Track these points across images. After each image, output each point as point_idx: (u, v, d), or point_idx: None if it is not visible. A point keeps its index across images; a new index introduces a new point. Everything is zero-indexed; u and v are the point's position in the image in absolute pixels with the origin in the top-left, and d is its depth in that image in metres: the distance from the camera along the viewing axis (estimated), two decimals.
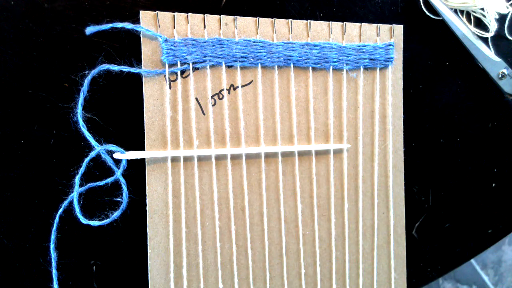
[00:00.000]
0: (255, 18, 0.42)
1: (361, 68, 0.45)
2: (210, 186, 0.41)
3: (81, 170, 0.38)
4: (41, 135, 0.38)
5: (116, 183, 0.39)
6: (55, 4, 0.38)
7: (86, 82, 0.37)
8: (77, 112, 0.37)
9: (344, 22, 0.45)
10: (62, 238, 0.39)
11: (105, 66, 0.38)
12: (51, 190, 0.38)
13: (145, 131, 0.39)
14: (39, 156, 0.38)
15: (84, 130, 0.37)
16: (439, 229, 0.51)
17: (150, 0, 0.40)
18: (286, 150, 0.43)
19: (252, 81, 0.42)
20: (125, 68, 0.38)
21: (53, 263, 0.37)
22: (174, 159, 0.40)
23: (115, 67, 0.38)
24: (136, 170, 0.40)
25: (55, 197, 0.38)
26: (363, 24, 0.45)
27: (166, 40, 0.39)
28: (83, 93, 0.37)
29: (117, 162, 0.38)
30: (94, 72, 0.37)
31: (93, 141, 0.37)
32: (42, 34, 0.38)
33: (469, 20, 0.51)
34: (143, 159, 0.39)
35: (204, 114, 0.41)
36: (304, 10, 0.45)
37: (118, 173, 0.38)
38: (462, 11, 0.51)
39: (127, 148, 0.39)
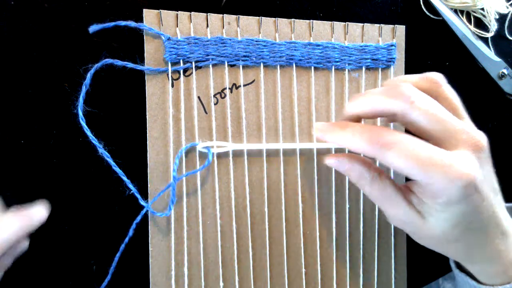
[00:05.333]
0: (257, 17, 0.42)
1: (363, 68, 0.45)
2: (211, 185, 0.41)
3: (176, 162, 0.39)
4: (41, 135, 0.38)
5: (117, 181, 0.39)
6: (55, 4, 0.37)
7: (89, 75, 0.37)
8: (77, 105, 0.37)
9: (347, 22, 0.45)
10: (62, 238, 0.38)
11: (109, 61, 0.37)
12: (51, 190, 0.38)
13: (147, 130, 0.39)
14: (39, 156, 0.38)
15: (83, 123, 0.37)
16: None
17: (149, 0, 0.39)
18: (288, 148, 0.43)
19: (254, 80, 0.42)
20: (129, 64, 0.38)
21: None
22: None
23: (118, 62, 0.38)
24: (137, 169, 0.40)
25: (55, 197, 0.38)
26: (365, 24, 0.45)
27: (169, 39, 0.39)
28: (85, 86, 0.37)
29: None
30: (97, 65, 0.37)
31: (90, 135, 0.37)
32: (42, 34, 0.37)
33: (469, 20, 0.51)
34: (144, 159, 0.39)
35: (206, 113, 0.41)
36: (304, 10, 0.45)
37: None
38: (462, 11, 0.51)
39: (128, 147, 0.39)
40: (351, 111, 0.36)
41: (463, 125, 0.33)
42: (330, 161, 0.36)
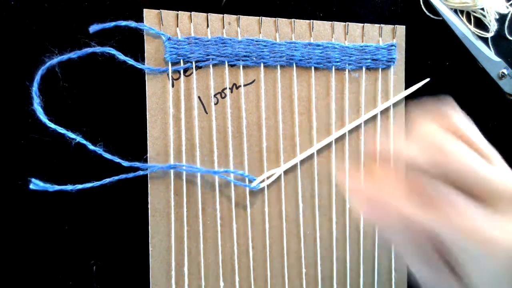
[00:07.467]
0: (258, 17, 0.42)
1: (363, 68, 0.45)
2: (212, 185, 0.41)
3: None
4: (41, 135, 0.38)
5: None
6: (55, 4, 0.37)
7: (85, 51, 0.37)
8: (50, 62, 0.36)
9: (347, 23, 0.45)
10: (62, 238, 0.38)
11: (112, 50, 0.37)
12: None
13: (147, 129, 0.39)
14: (37, 156, 0.38)
15: (35, 89, 0.37)
16: None
17: (149, 0, 0.39)
18: (288, 148, 0.43)
19: (254, 80, 0.42)
20: (130, 60, 0.38)
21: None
22: (176, 157, 0.40)
23: (120, 56, 0.38)
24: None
25: (55, 197, 0.38)
26: (365, 24, 0.45)
27: (169, 39, 0.39)
28: (74, 54, 0.37)
29: None
30: (98, 49, 0.37)
31: (45, 120, 0.37)
32: (42, 34, 0.37)
33: (469, 20, 0.51)
34: (145, 159, 0.39)
35: (207, 113, 0.41)
36: (304, 10, 0.44)
37: None
38: (462, 11, 0.51)
39: (128, 146, 0.39)
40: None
41: (501, 176, 0.26)
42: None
